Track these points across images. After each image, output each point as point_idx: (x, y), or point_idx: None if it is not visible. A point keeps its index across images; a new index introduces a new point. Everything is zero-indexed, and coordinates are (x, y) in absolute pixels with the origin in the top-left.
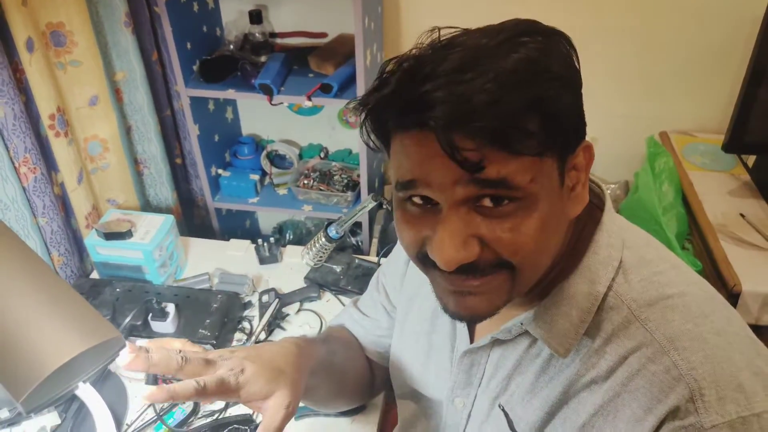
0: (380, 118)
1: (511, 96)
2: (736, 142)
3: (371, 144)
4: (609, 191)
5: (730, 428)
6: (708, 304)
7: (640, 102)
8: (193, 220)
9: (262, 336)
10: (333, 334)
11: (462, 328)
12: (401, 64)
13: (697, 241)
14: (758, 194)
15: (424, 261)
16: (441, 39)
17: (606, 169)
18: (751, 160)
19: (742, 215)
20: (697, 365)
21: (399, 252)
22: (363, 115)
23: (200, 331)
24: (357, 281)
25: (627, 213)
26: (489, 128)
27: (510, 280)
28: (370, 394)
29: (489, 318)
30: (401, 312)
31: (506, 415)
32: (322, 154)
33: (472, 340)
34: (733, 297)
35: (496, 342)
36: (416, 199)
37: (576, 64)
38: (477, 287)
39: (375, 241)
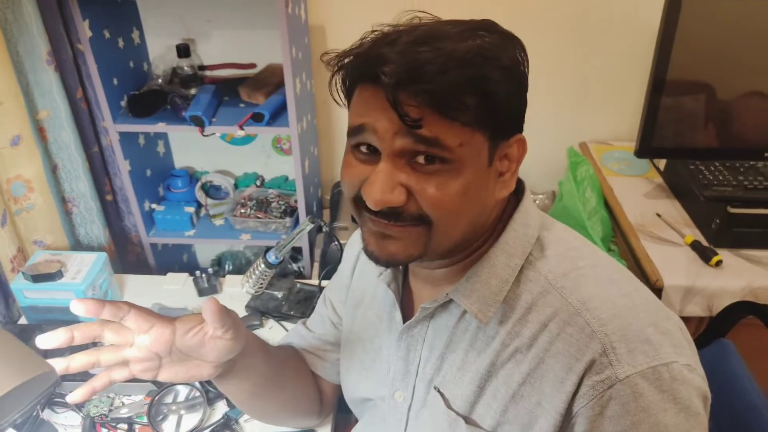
0: (348, 72)
1: (457, 71)
2: (646, 148)
3: (335, 97)
4: (537, 201)
5: (643, 377)
6: (616, 272)
7: (559, 116)
8: (128, 258)
9: None
10: (277, 349)
11: (396, 312)
12: (376, 32)
13: (620, 242)
14: (671, 194)
15: (357, 203)
16: (418, 21)
17: (533, 180)
18: (662, 163)
19: (658, 215)
20: (607, 322)
21: (344, 264)
22: (336, 68)
23: None
24: (299, 306)
25: None
26: (431, 92)
27: (426, 234)
28: (318, 413)
29: (404, 261)
30: (347, 322)
31: (442, 396)
32: (258, 183)
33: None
34: (656, 291)
35: (429, 319)
36: (363, 148)
37: (523, 66)
38: (397, 232)
39: (316, 264)
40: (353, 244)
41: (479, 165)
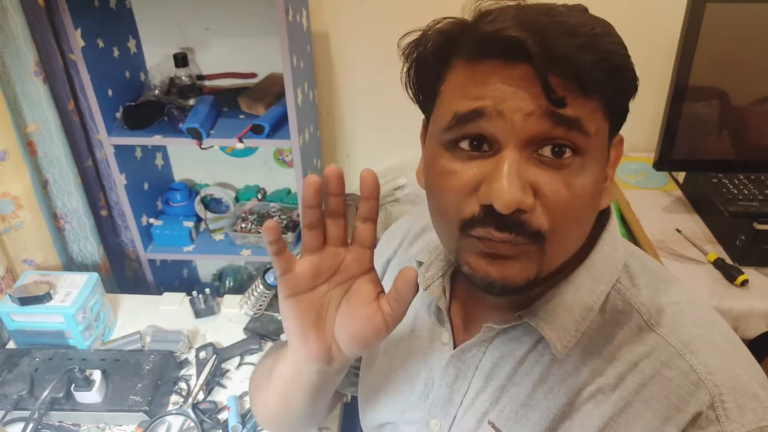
0: (444, 47)
1: (592, 42)
2: (665, 160)
3: (408, 91)
4: None
5: None
6: (711, 312)
7: None
8: (124, 274)
9: (201, 396)
10: None
11: (445, 333)
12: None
13: None
14: (691, 209)
15: (465, 222)
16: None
17: None
18: (681, 175)
19: (678, 230)
20: (715, 370)
21: (377, 258)
22: (415, 47)
23: (131, 397)
24: None
25: None
26: (578, 65)
27: (539, 255)
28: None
29: (519, 292)
30: None
31: (499, 431)
32: (259, 196)
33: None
34: None
35: (489, 343)
36: (464, 144)
37: None
38: (512, 251)
39: None
40: (388, 240)
41: (602, 161)
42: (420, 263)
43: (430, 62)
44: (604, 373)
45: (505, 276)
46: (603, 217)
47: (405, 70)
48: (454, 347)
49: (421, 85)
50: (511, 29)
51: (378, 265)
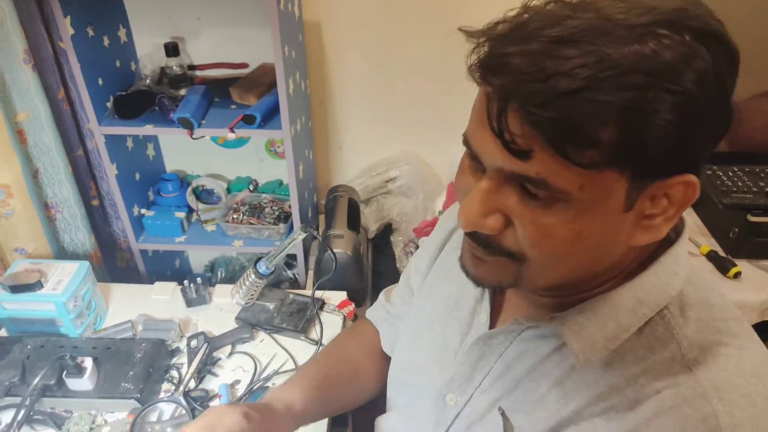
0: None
1: (598, 92)
2: None
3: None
4: None
5: None
6: (765, 367)
7: None
8: (116, 264)
9: (192, 384)
10: (342, 341)
11: (483, 313)
12: (522, 14)
13: None
14: None
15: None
16: None
17: None
18: None
19: None
20: (740, 424)
21: (436, 235)
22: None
23: (123, 384)
24: (292, 318)
25: None
26: (548, 120)
27: (516, 268)
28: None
29: (492, 286)
30: (422, 297)
31: (506, 420)
32: (251, 187)
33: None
34: None
35: (517, 335)
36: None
37: (721, 87)
38: (485, 257)
39: (311, 272)
40: (452, 214)
41: (608, 208)
42: None
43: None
44: (622, 392)
45: (478, 275)
46: (669, 241)
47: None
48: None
49: None
50: (491, 58)
51: (433, 247)
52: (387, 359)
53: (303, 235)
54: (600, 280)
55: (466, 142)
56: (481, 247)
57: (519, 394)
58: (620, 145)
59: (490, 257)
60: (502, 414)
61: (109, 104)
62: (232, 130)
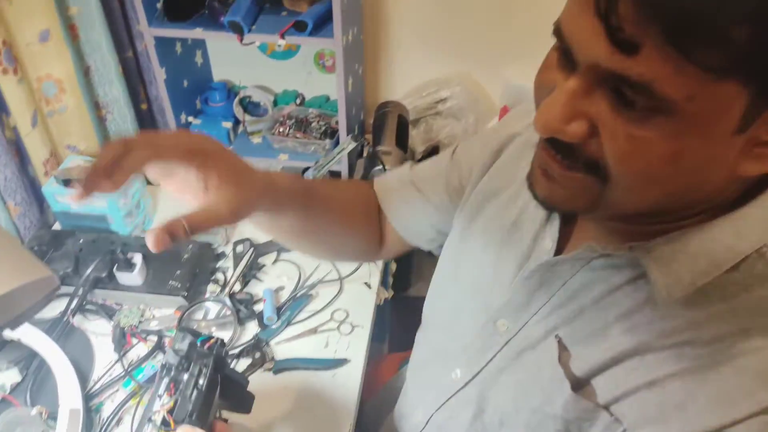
0: None
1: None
2: None
3: None
4: None
5: None
6: None
7: None
8: None
9: (237, 288)
10: (331, 188)
11: (548, 239)
12: None
13: None
14: None
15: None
16: None
17: None
18: None
19: None
20: None
21: (491, 138)
22: None
23: (170, 282)
24: None
25: None
26: (672, 6)
27: (598, 187)
28: (375, 254)
29: (564, 211)
30: (469, 209)
31: (563, 348)
32: (297, 101)
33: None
34: None
35: (586, 263)
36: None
37: None
38: (561, 175)
39: None
40: (518, 116)
41: (718, 128)
42: None
43: None
44: (702, 327)
45: (547, 196)
46: None
47: None
48: (554, 255)
49: None
50: None
51: (488, 149)
52: (379, 222)
53: (353, 145)
54: (694, 210)
55: (557, 30)
56: (560, 156)
57: (579, 324)
58: (752, 51)
59: (566, 173)
60: (560, 343)
61: (159, 5)
62: (283, 36)
